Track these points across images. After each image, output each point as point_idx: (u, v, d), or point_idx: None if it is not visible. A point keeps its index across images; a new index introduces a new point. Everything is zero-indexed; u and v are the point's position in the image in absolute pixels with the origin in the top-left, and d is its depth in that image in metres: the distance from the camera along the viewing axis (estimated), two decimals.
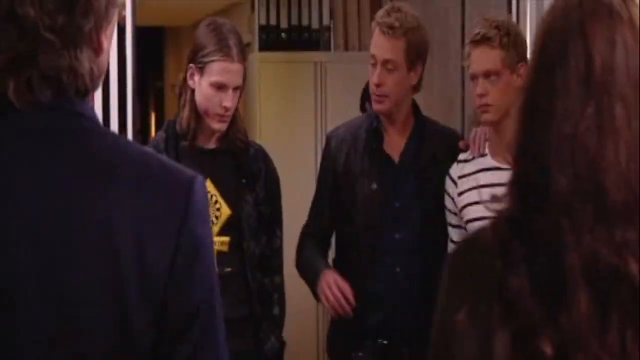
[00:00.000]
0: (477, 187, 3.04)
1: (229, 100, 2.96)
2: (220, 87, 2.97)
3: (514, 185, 1.31)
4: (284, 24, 7.47)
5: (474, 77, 2.99)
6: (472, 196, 3.04)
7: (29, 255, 1.25)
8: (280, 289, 3.10)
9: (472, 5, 4.43)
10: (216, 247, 2.93)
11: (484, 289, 1.22)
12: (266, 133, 5.94)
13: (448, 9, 4.69)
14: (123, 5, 3.33)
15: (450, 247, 3.15)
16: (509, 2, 3.90)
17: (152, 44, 12.14)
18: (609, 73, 1.21)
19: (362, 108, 5.80)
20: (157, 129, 13.42)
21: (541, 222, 1.22)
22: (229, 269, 2.96)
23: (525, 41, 3.12)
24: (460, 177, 3.10)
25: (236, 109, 3.07)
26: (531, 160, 1.26)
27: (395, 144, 3.27)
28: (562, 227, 1.20)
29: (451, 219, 3.13)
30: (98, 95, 3.22)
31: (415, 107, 3.33)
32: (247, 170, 3.05)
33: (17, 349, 1.24)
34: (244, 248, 2.98)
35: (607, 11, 1.22)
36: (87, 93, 1.33)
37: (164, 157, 1.35)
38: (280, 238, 3.12)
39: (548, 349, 1.15)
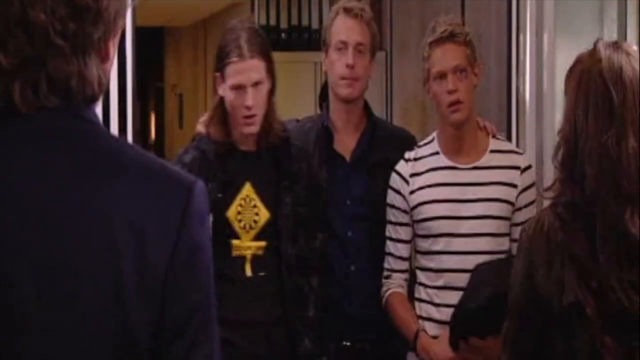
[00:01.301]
0: (431, 185, 3.04)
1: (249, 98, 2.89)
2: (238, 87, 2.92)
3: (563, 180, 2.03)
4: (283, 24, 7.46)
5: (441, 76, 2.97)
6: (426, 194, 3.04)
7: (28, 248, 1.26)
8: (317, 291, 3.01)
9: (472, 5, 4.43)
10: (251, 251, 2.88)
11: (556, 253, 1.99)
12: None
13: (448, 9, 4.69)
14: (128, 5, 3.33)
15: (389, 245, 3.12)
16: (509, 1, 3.90)
17: (151, 45, 12.15)
18: (623, 110, 2.00)
19: (322, 107, 5.72)
20: (157, 129, 13.43)
21: (582, 203, 1.99)
22: (262, 273, 2.93)
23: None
24: (412, 175, 3.09)
25: (268, 107, 2.98)
26: (575, 163, 2.01)
27: (346, 142, 3.25)
28: (594, 206, 1.98)
29: (397, 216, 3.11)
30: None
31: (366, 107, 3.33)
32: (287, 171, 2.98)
33: (15, 343, 1.25)
34: (281, 251, 2.94)
35: (619, 77, 2.02)
36: (93, 100, 1.35)
37: (165, 162, 1.36)
38: (321, 240, 3.04)
39: (594, 284, 1.95)
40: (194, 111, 11.33)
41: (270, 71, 2.97)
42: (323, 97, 5.79)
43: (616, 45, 2.10)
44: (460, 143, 3.03)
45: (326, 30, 3.26)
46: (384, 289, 3.11)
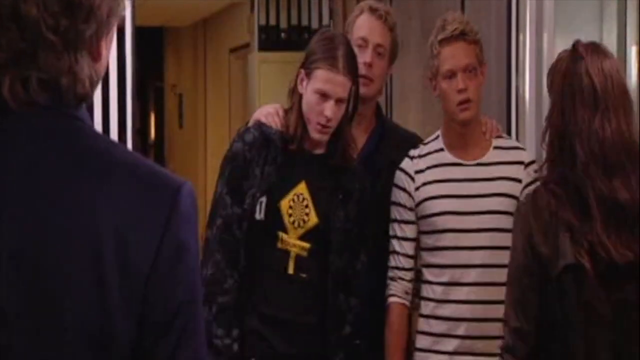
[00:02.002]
0: (436, 181, 3.05)
1: (329, 109, 2.89)
2: (322, 95, 2.89)
3: (552, 160, 2.43)
4: (283, 24, 7.47)
5: (451, 74, 2.98)
6: (431, 190, 3.05)
7: (13, 244, 1.26)
8: (354, 311, 3.00)
9: (472, 5, 4.43)
10: (296, 250, 2.91)
11: (550, 222, 2.36)
12: None
13: (448, 9, 4.69)
14: (122, 6, 3.33)
15: (394, 243, 3.10)
16: (508, 1, 3.90)
17: (151, 44, 12.14)
18: (606, 97, 2.39)
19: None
20: (157, 129, 13.42)
21: (572, 178, 2.37)
22: (304, 275, 2.93)
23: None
24: (417, 172, 3.09)
25: (345, 125, 2.98)
26: (564, 145, 2.40)
27: (356, 141, 3.21)
28: (584, 179, 2.36)
29: (402, 214, 3.10)
30: (98, 95, 3.22)
31: (377, 109, 3.33)
32: (344, 187, 2.99)
33: None
34: (330, 262, 2.94)
35: (601, 70, 2.42)
36: (84, 98, 1.35)
37: (153, 164, 1.37)
38: (364, 263, 3.02)
39: (586, 244, 2.33)
40: (193, 111, 11.32)
41: (352, 94, 2.96)
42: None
43: (594, 45, 2.51)
44: (465, 140, 3.05)
45: (348, 26, 3.25)
46: (388, 292, 3.10)
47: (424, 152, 3.10)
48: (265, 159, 2.91)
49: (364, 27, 3.19)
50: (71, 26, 1.30)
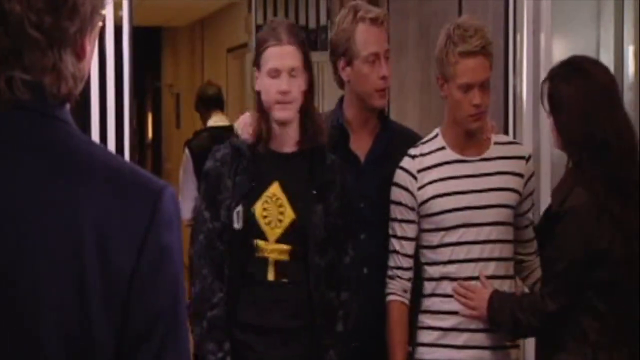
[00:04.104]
0: (442, 179, 3.06)
1: (284, 84, 2.84)
2: (274, 73, 2.86)
3: (579, 160, 2.77)
4: None
5: (468, 88, 2.98)
6: (437, 189, 3.05)
7: None
8: (346, 305, 2.96)
9: (470, 5, 4.43)
10: (274, 256, 2.87)
11: (603, 219, 2.71)
12: None
13: (446, 10, 4.69)
14: (120, 5, 3.33)
15: (394, 243, 3.10)
16: (506, 1, 3.91)
17: (149, 44, 12.15)
18: (616, 97, 2.85)
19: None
20: (154, 128, 13.43)
21: (605, 173, 2.74)
22: (285, 280, 2.87)
23: None
24: (419, 171, 3.08)
25: (311, 105, 2.95)
26: (591, 146, 2.75)
27: (362, 143, 3.21)
28: (623, 169, 2.76)
29: (404, 213, 3.09)
30: (95, 95, 3.22)
31: (380, 111, 3.27)
32: (319, 180, 2.93)
33: None
34: (309, 260, 2.88)
35: (612, 78, 2.91)
36: (68, 98, 1.33)
37: (136, 167, 1.35)
38: (351, 256, 2.97)
39: (632, 234, 2.74)
40: (190, 111, 11.32)
41: (307, 66, 2.93)
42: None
43: (589, 58, 2.98)
44: (467, 138, 3.07)
45: (348, 39, 3.14)
46: (388, 290, 3.11)
47: (425, 151, 3.10)
48: (236, 170, 2.89)
49: (371, 40, 3.11)
50: (55, 23, 1.29)
